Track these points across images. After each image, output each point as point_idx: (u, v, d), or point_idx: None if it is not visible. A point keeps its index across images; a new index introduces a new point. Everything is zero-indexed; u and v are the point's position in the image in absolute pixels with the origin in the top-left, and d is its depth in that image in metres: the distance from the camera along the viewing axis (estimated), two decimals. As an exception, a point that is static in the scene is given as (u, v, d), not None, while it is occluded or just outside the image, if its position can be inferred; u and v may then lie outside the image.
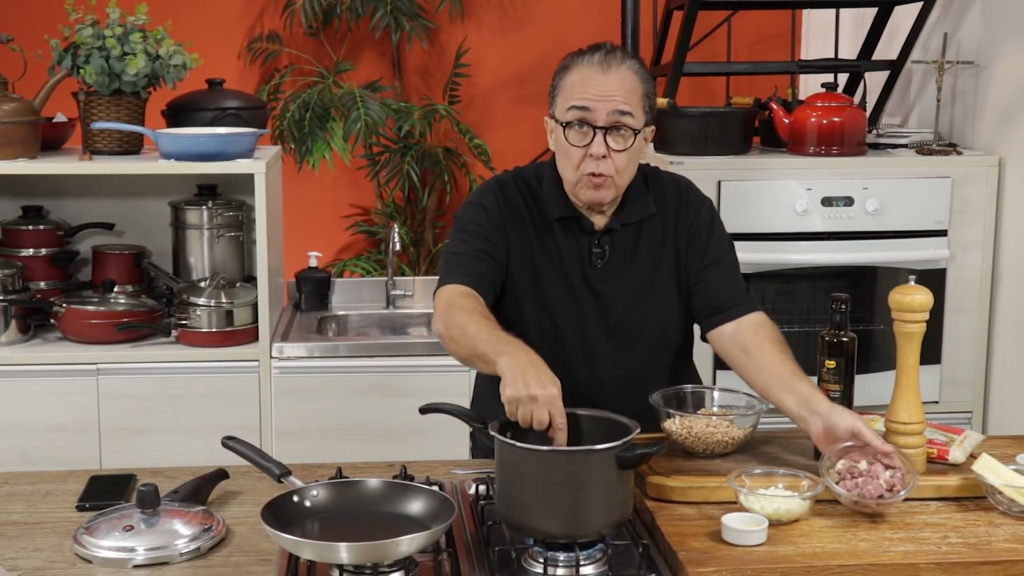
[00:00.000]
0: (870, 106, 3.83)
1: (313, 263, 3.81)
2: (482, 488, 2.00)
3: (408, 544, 1.65)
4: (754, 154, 3.50)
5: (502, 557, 1.75)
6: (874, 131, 3.71)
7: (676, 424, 2.13)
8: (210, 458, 2.13)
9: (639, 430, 1.79)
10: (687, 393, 2.24)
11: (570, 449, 1.74)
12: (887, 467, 1.89)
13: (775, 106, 3.47)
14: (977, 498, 1.96)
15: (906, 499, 1.89)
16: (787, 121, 3.44)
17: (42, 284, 3.47)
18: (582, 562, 1.72)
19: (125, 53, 3.26)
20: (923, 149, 3.47)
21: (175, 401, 3.23)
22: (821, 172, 3.35)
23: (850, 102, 3.48)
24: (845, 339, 2.08)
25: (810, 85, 4.31)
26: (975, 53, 3.51)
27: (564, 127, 2.12)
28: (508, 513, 1.78)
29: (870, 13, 3.83)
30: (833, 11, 4.12)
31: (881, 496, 1.85)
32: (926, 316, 2.01)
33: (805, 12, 4.67)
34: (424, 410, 2.04)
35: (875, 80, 3.85)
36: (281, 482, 1.89)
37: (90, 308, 3.29)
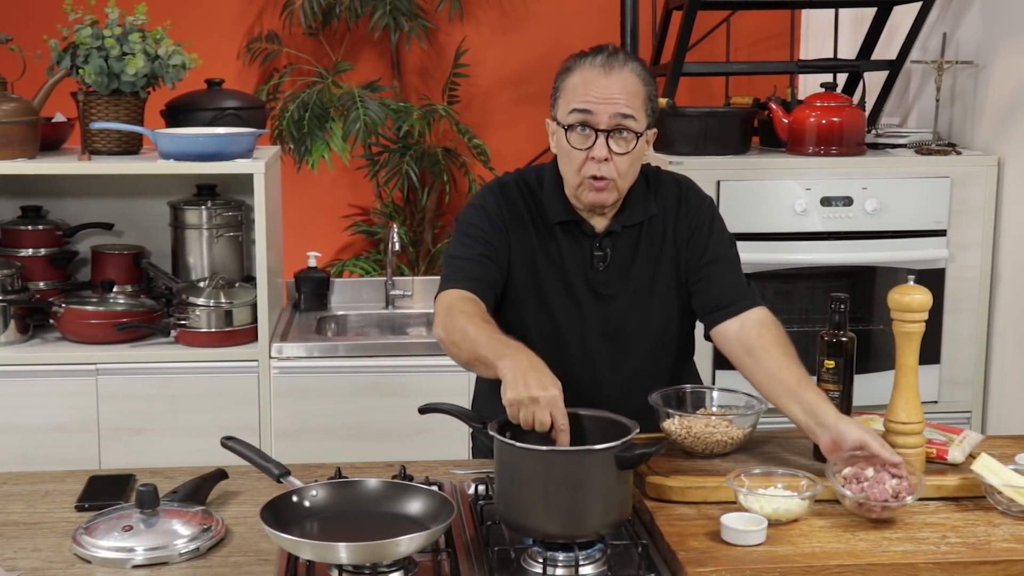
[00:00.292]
0: (869, 106, 3.83)
1: (312, 263, 3.81)
2: (481, 488, 2.00)
3: (407, 544, 1.65)
4: (753, 154, 3.51)
5: (501, 557, 1.75)
6: (873, 131, 3.71)
7: (675, 424, 2.13)
8: (209, 458, 2.13)
9: (638, 430, 1.79)
10: (686, 393, 2.24)
11: (569, 449, 1.74)
12: (894, 476, 1.88)
13: (774, 106, 3.47)
14: (976, 498, 1.96)
15: (905, 499, 1.89)
16: (786, 121, 3.44)
17: (41, 284, 3.47)
18: (581, 562, 1.72)
19: (124, 53, 3.25)
20: (922, 149, 3.47)
21: (174, 401, 3.23)
22: (820, 172, 3.35)
23: (849, 102, 3.48)
24: (844, 339, 2.08)
25: (809, 85, 4.31)
26: (974, 53, 3.51)
27: (566, 130, 2.11)
28: (507, 513, 1.78)
29: (869, 13, 3.84)
30: (832, 11, 4.12)
31: (886, 501, 1.83)
32: (925, 316, 2.01)
33: (804, 12, 4.67)
34: (423, 410, 2.04)
35: (874, 80, 3.85)
36: (280, 482, 1.89)
37: (89, 308, 3.29)
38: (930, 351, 3.31)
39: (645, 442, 1.79)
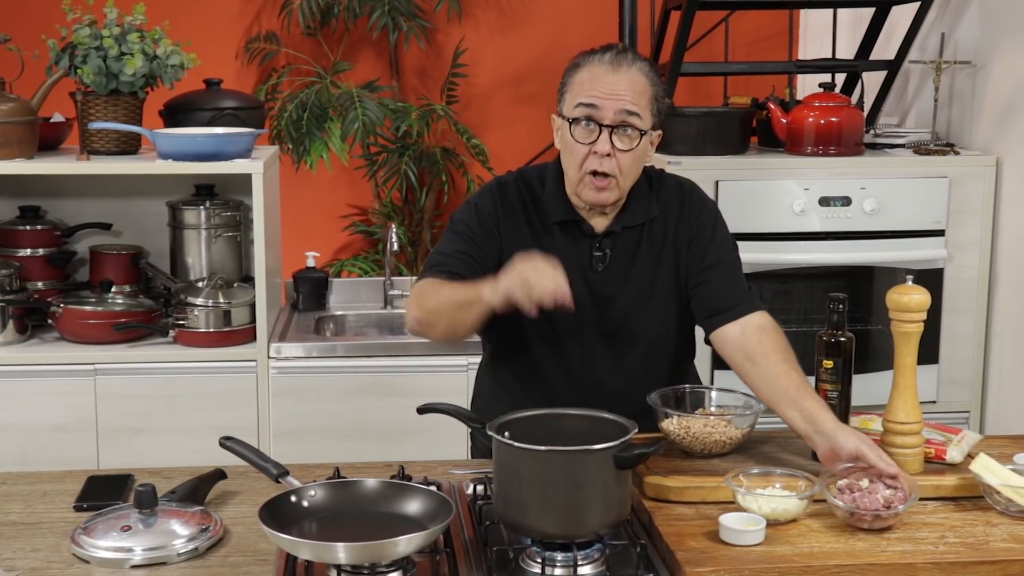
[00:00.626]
0: (868, 106, 3.83)
1: (311, 263, 3.81)
2: (480, 488, 2.00)
3: (406, 544, 1.65)
4: (752, 154, 3.51)
5: (500, 557, 1.75)
6: (872, 131, 3.72)
7: (674, 424, 2.13)
8: (208, 458, 2.13)
9: (637, 430, 1.79)
10: (685, 393, 2.24)
11: (568, 449, 1.74)
12: (889, 486, 1.88)
13: (773, 106, 3.47)
14: (975, 498, 1.96)
15: (904, 499, 1.89)
16: (785, 121, 3.45)
17: (39, 284, 3.47)
18: (580, 562, 1.72)
19: (122, 53, 3.25)
20: (920, 149, 3.47)
21: (173, 401, 3.23)
22: (819, 172, 3.35)
23: (848, 102, 3.48)
24: (843, 339, 2.08)
25: (808, 85, 4.31)
26: (972, 53, 3.51)
27: (571, 123, 2.12)
28: (506, 513, 1.78)
29: (868, 13, 3.84)
30: (831, 11, 4.13)
31: (877, 511, 1.82)
32: (924, 316, 2.01)
33: (803, 12, 4.67)
34: (422, 410, 2.04)
35: (873, 80, 3.85)
36: (279, 482, 1.88)
37: (88, 308, 3.29)
38: (928, 351, 3.31)
39: (643, 442, 1.79)
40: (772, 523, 1.83)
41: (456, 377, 3.26)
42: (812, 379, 2.10)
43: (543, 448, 1.73)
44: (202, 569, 1.77)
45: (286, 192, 3.99)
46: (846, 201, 3.32)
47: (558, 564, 1.73)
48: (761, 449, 2.16)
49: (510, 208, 2.22)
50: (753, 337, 2.13)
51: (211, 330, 3.28)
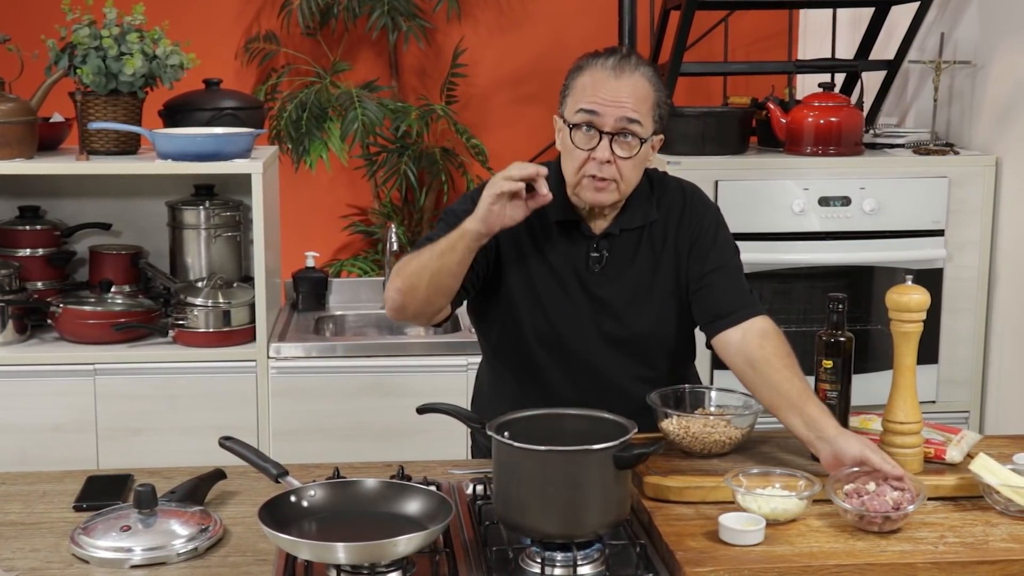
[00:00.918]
0: (867, 106, 3.83)
1: (310, 263, 3.81)
2: (479, 488, 2.00)
3: (405, 544, 1.65)
4: (751, 154, 3.51)
5: (499, 557, 1.75)
6: (871, 131, 3.72)
7: (673, 424, 2.13)
8: (207, 458, 2.13)
9: (636, 430, 1.79)
10: (684, 393, 2.24)
11: (567, 449, 1.74)
12: (895, 488, 1.87)
13: (772, 106, 3.47)
14: (974, 498, 1.96)
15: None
16: (784, 121, 3.44)
17: (39, 284, 3.47)
18: (579, 562, 1.72)
19: (122, 53, 3.25)
20: (920, 149, 3.47)
21: (172, 401, 3.23)
22: (818, 172, 3.35)
23: (847, 102, 3.48)
24: (842, 339, 2.08)
25: (807, 85, 4.31)
26: (972, 53, 3.51)
27: (571, 128, 2.12)
28: (505, 513, 1.78)
29: (867, 13, 3.84)
30: (830, 11, 4.12)
31: (887, 513, 1.81)
32: (923, 316, 2.01)
33: (802, 12, 4.67)
34: (421, 410, 2.04)
35: (872, 80, 3.85)
36: (278, 482, 1.88)
37: (87, 308, 3.29)
38: (928, 351, 3.31)
39: (643, 442, 1.79)
40: (772, 523, 1.83)
41: (456, 377, 3.26)
42: (812, 379, 2.10)
43: (543, 448, 1.73)
44: (202, 569, 1.77)
45: (286, 192, 3.99)
46: (846, 201, 3.32)
47: (558, 564, 1.73)
48: (761, 449, 2.16)
49: None
50: (755, 342, 2.12)
51: (211, 330, 3.28)
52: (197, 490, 2.00)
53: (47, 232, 3.50)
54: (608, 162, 2.09)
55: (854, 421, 2.17)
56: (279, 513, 1.73)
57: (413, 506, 1.80)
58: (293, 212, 4.65)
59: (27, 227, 3.48)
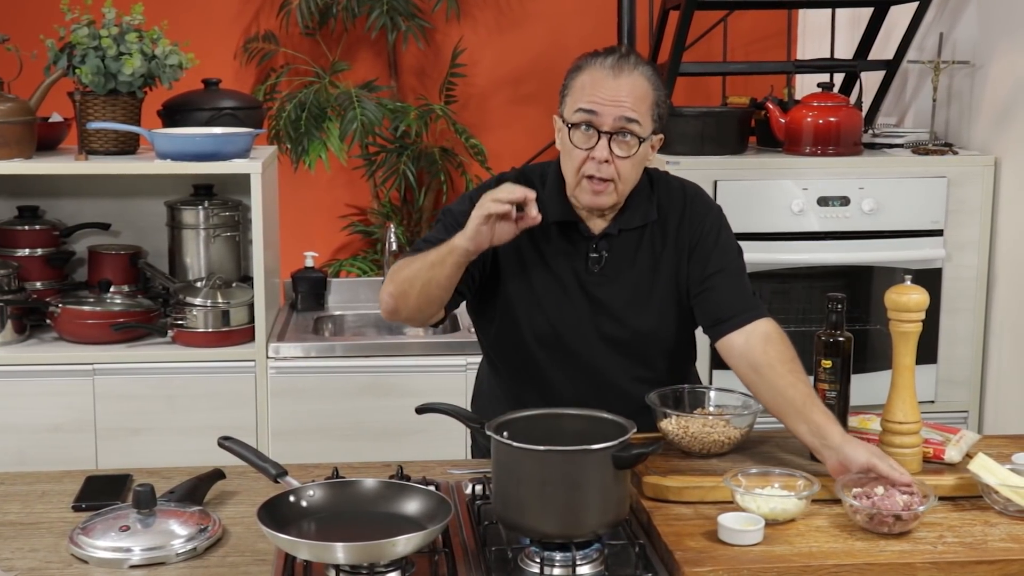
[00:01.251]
0: (866, 106, 3.83)
1: (309, 263, 3.81)
2: (479, 488, 2.00)
3: (404, 544, 1.65)
4: (750, 154, 3.51)
5: (499, 557, 1.75)
6: (870, 131, 3.72)
7: (672, 424, 2.13)
8: (206, 458, 2.13)
9: (635, 430, 1.79)
10: (684, 393, 2.24)
11: (566, 449, 1.74)
12: (904, 492, 1.86)
13: (771, 106, 3.47)
14: (973, 498, 1.96)
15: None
16: (783, 121, 3.44)
17: (38, 284, 3.47)
18: (578, 562, 1.72)
19: (121, 53, 3.25)
20: (919, 149, 3.47)
21: (171, 401, 3.23)
22: (817, 172, 3.35)
23: (846, 102, 3.48)
24: (841, 339, 2.08)
25: (806, 85, 4.31)
26: (971, 53, 3.52)
27: (570, 128, 2.12)
28: (504, 513, 1.78)
29: (866, 13, 3.84)
30: (829, 11, 4.12)
31: (898, 513, 1.80)
32: (922, 316, 2.01)
33: (801, 12, 4.67)
34: (421, 410, 2.04)
35: (871, 80, 3.85)
36: (277, 482, 1.88)
37: (86, 308, 3.29)
38: (927, 351, 3.31)
39: (642, 442, 1.79)
40: (771, 523, 1.83)
41: (455, 377, 3.26)
42: (811, 379, 2.09)
43: (542, 448, 1.73)
44: (200, 569, 1.77)
45: (285, 192, 3.99)
46: (844, 201, 3.32)
47: (557, 564, 1.73)
48: (760, 449, 2.16)
49: None
50: (758, 347, 2.11)
51: (209, 330, 3.28)
52: (196, 490, 2.00)
53: (46, 232, 3.50)
54: (606, 162, 2.09)
55: (853, 421, 2.17)
56: (278, 513, 1.73)
57: (412, 506, 1.80)
58: (292, 212, 4.65)
59: (26, 227, 3.48)
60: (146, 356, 3.24)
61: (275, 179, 3.67)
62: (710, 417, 2.15)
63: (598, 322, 2.21)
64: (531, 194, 1.98)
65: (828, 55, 4.09)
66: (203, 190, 3.58)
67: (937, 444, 2.10)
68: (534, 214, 1.99)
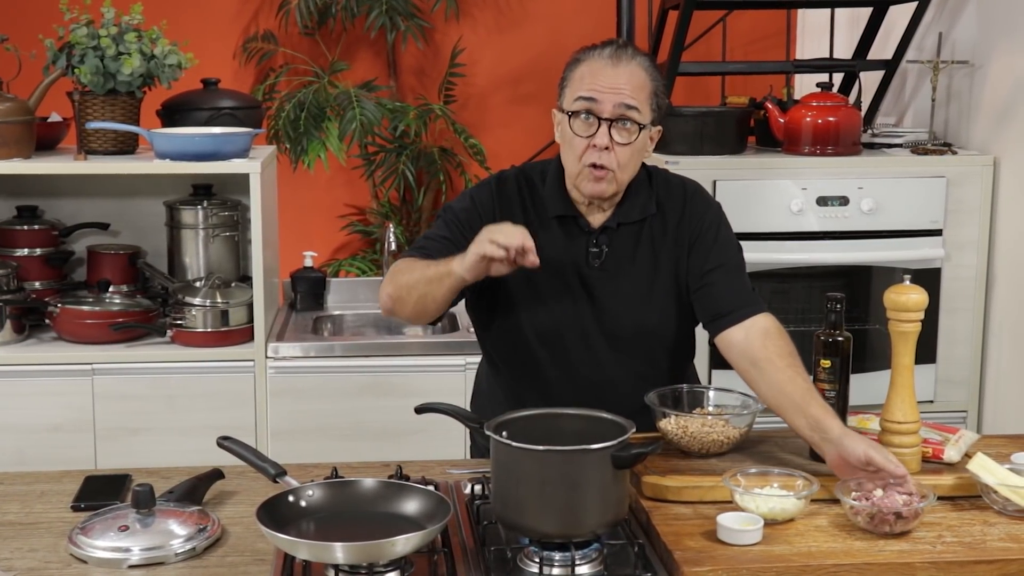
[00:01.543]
0: (865, 106, 3.83)
1: (308, 263, 3.81)
2: (478, 488, 2.00)
3: (404, 544, 1.65)
4: (749, 154, 3.51)
5: (498, 557, 1.75)
6: (869, 131, 3.72)
7: (672, 424, 2.13)
8: (205, 458, 2.13)
9: (634, 429, 1.79)
10: (683, 393, 2.24)
11: (566, 448, 1.74)
12: (902, 493, 1.86)
13: (770, 106, 3.47)
14: (972, 497, 1.96)
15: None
16: (782, 121, 3.45)
17: (37, 284, 3.47)
18: (578, 562, 1.72)
19: (120, 53, 3.25)
20: (918, 149, 3.47)
21: (170, 401, 3.23)
22: (816, 172, 3.35)
23: (845, 102, 3.48)
24: (840, 338, 2.08)
25: (805, 85, 4.32)
26: (970, 53, 3.52)
27: (570, 116, 2.13)
28: (504, 513, 1.78)
29: (865, 13, 3.84)
30: (828, 11, 4.13)
31: (899, 511, 1.80)
32: (921, 315, 2.01)
33: (800, 12, 4.68)
34: (420, 410, 2.04)
35: (870, 80, 3.85)
36: (276, 482, 1.88)
37: (85, 308, 3.29)
38: (926, 350, 3.31)
39: (641, 442, 1.79)
40: (770, 523, 1.83)
41: (454, 377, 3.26)
42: (810, 378, 2.09)
43: (541, 448, 1.73)
44: (200, 569, 1.77)
45: (284, 192, 3.98)
46: (844, 201, 3.32)
47: (556, 564, 1.73)
48: (759, 449, 2.16)
49: (507, 201, 2.23)
50: (757, 343, 2.11)
51: (209, 330, 3.28)
52: (195, 490, 2.00)
53: (45, 232, 3.50)
54: (607, 148, 2.10)
55: (852, 421, 2.17)
56: (277, 513, 1.73)
57: (411, 506, 1.80)
58: (291, 212, 4.65)
59: (25, 227, 3.48)
60: (145, 356, 3.24)
61: (274, 179, 3.67)
62: (709, 417, 2.15)
63: (598, 317, 2.21)
64: (529, 242, 1.95)
65: (827, 55, 4.09)
66: (202, 190, 3.58)
67: (936, 444, 2.10)
68: (532, 260, 1.96)
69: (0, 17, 4.48)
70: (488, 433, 1.79)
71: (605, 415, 1.85)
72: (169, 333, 3.30)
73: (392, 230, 3.83)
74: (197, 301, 3.28)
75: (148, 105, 3.47)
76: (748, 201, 3.30)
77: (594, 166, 2.12)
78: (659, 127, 2.20)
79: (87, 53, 3.23)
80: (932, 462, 2.07)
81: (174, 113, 3.52)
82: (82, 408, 3.20)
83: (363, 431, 3.29)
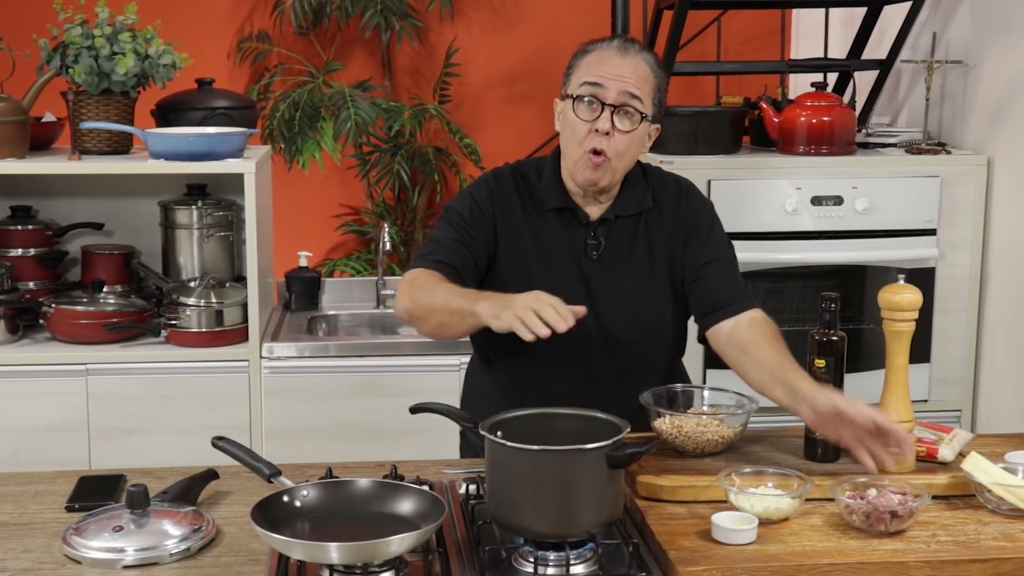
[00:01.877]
0: (859, 105, 3.84)
1: (303, 263, 3.81)
2: (472, 488, 2.00)
3: (398, 544, 1.65)
4: (744, 153, 3.51)
5: (492, 557, 1.75)
6: (863, 130, 3.72)
7: (666, 423, 2.13)
8: (200, 458, 2.13)
9: (629, 429, 1.79)
10: (677, 392, 2.24)
11: (560, 448, 1.74)
12: (895, 492, 1.86)
13: (765, 105, 3.47)
14: (966, 496, 1.97)
15: (895, 497, 1.89)
16: (777, 120, 3.45)
17: (31, 284, 3.46)
18: (572, 561, 1.72)
19: (114, 52, 3.25)
20: (912, 148, 3.48)
21: (165, 401, 3.23)
22: (811, 171, 3.35)
23: (839, 101, 3.49)
24: (835, 338, 2.08)
25: (799, 84, 4.32)
26: (964, 52, 3.52)
27: (574, 100, 2.15)
28: (498, 512, 1.78)
29: (859, 13, 3.84)
30: (822, 11, 4.13)
31: (894, 509, 1.80)
32: (915, 315, 2.02)
33: (794, 12, 4.68)
34: (414, 410, 2.04)
35: (864, 79, 3.86)
36: (271, 482, 1.88)
37: (79, 308, 3.28)
38: (920, 350, 3.32)
39: (636, 441, 1.79)
40: (764, 522, 1.83)
41: (448, 376, 3.26)
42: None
43: (535, 448, 1.73)
44: (194, 569, 1.77)
45: (278, 192, 3.98)
46: (838, 200, 3.33)
47: (551, 563, 1.73)
48: (753, 448, 2.16)
49: (505, 196, 2.24)
50: (744, 329, 2.16)
51: (203, 330, 3.27)
52: (190, 490, 2.00)
53: (39, 232, 3.49)
54: (607, 134, 2.12)
55: (846, 420, 2.17)
56: (272, 513, 1.73)
57: (406, 506, 1.80)
58: (286, 212, 4.65)
59: (19, 227, 3.47)
60: (139, 356, 3.23)
61: (269, 179, 3.67)
62: (704, 416, 2.15)
63: (596, 308, 2.21)
64: (580, 311, 1.91)
65: (821, 55, 4.10)
66: (196, 190, 3.58)
67: (930, 443, 2.10)
68: (580, 312, 1.92)
69: (-6, 17, 4.47)
70: (483, 433, 1.79)
71: (600, 415, 1.85)
72: (163, 333, 3.30)
73: (387, 230, 3.83)
74: (191, 301, 3.27)
75: (142, 105, 3.46)
76: (742, 201, 3.30)
77: (594, 152, 2.14)
78: (658, 125, 2.22)
79: (81, 53, 3.23)
80: (926, 461, 2.07)
81: (168, 113, 3.52)
82: (76, 408, 3.19)
83: (358, 431, 3.29)
